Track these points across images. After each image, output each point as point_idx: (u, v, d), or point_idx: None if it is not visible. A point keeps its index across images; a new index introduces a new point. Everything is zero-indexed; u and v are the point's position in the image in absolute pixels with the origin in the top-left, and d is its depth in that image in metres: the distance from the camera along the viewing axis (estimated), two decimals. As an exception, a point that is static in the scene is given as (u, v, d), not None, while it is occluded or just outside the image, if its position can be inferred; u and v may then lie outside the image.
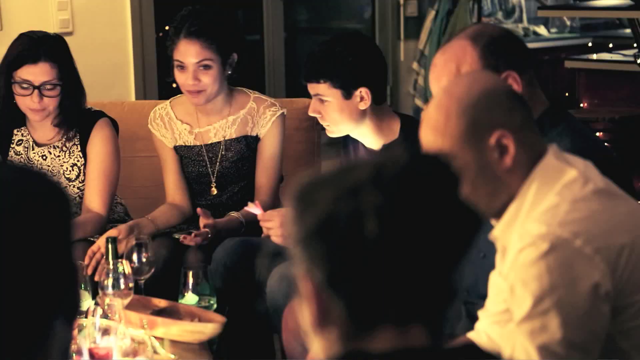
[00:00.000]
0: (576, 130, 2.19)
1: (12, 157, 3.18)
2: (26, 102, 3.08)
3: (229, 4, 5.71)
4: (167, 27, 4.68)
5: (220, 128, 3.30)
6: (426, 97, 5.80)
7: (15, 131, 3.22)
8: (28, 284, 1.06)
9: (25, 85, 3.06)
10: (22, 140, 3.22)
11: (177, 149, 3.33)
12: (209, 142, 3.30)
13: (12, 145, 3.21)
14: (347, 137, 3.00)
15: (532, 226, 1.70)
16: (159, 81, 4.93)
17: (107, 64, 4.62)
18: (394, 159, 1.17)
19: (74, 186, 3.18)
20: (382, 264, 1.12)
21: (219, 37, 3.15)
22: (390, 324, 1.13)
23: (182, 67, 3.15)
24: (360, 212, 1.12)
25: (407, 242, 1.12)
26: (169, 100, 3.43)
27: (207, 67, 3.14)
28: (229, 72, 3.22)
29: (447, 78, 2.19)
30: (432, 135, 1.83)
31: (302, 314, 1.18)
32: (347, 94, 2.82)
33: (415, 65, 5.84)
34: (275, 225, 2.72)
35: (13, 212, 1.05)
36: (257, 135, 3.30)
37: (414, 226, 1.12)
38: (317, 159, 3.76)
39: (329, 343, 1.16)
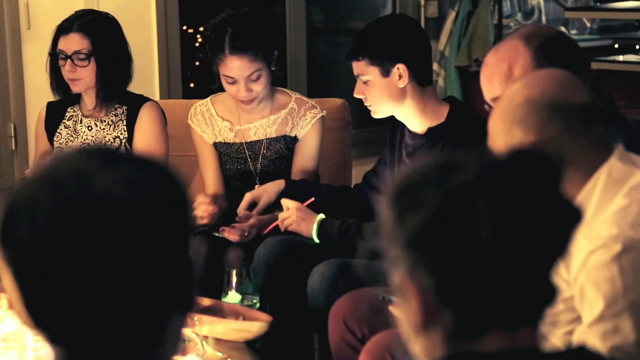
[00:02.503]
0: (630, 130, 2.19)
1: (61, 130, 3.36)
2: (65, 72, 3.27)
3: (252, 3, 5.71)
4: (197, 33, 4.66)
5: (260, 127, 3.33)
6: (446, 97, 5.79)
7: (69, 109, 3.40)
8: (153, 280, 1.07)
9: (62, 56, 3.26)
10: (72, 115, 3.39)
11: (216, 145, 3.37)
12: (249, 140, 3.33)
13: (63, 121, 3.38)
14: (395, 123, 3.01)
15: (602, 228, 1.70)
16: (183, 82, 4.94)
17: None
18: (496, 156, 1.16)
19: None
20: (494, 269, 1.09)
21: (263, 46, 3.18)
22: (499, 327, 1.11)
23: (233, 81, 3.18)
24: (472, 217, 1.09)
25: (518, 245, 1.10)
26: (209, 97, 3.47)
27: (258, 77, 3.18)
28: (273, 69, 3.27)
29: (498, 78, 2.19)
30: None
31: (402, 314, 1.16)
32: (385, 71, 2.84)
33: (435, 66, 5.83)
34: (292, 218, 2.95)
35: (140, 212, 1.05)
36: (295, 136, 3.34)
37: (525, 228, 1.10)
38: (348, 159, 3.77)
39: (432, 345, 1.14)
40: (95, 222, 1.03)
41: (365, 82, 2.88)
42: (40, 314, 1.07)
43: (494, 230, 1.08)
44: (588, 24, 6.34)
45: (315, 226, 2.93)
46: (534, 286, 1.12)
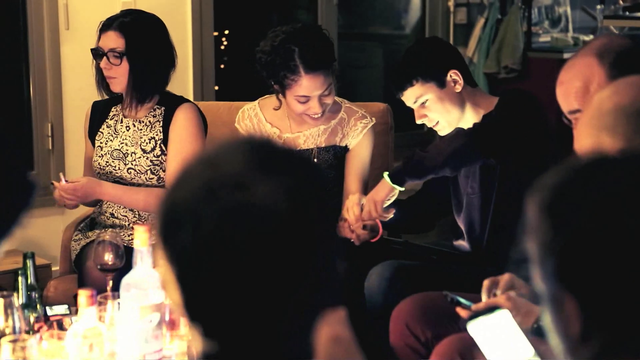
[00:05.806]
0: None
1: (103, 129, 3.36)
2: (104, 69, 3.27)
3: (282, 7, 5.73)
4: (222, 36, 4.61)
5: (310, 136, 3.33)
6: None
7: (113, 108, 3.40)
8: (305, 286, 1.10)
9: (99, 52, 3.26)
10: (115, 114, 3.38)
11: None
12: (299, 149, 3.32)
13: (106, 120, 3.38)
14: None
15: None
16: (216, 83, 4.96)
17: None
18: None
19: (147, 158, 3.28)
20: None
21: (332, 59, 3.18)
22: None
23: (306, 100, 3.15)
24: (633, 228, 1.04)
25: None
26: (257, 101, 3.45)
27: (330, 91, 3.18)
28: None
29: (574, 95, 2.17)
30: None
31: (554, 323, 1.11)
32: (441, 83, 2.92)
33: (463, 73, 5.84)
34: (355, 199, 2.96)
35: (297, 222, 1.09)
36: (346, 146, 3.33)
37: None
38: (391, 163, 3.77)
39: (587, 356, 1.09)
40: (256, 234, 1.06)
41: (423, 104, 2.93)
42: (198, 310, 1.11)
43: None
44: (616, 32, 6.36)
45: (386, 175, 2.96)
46: None
